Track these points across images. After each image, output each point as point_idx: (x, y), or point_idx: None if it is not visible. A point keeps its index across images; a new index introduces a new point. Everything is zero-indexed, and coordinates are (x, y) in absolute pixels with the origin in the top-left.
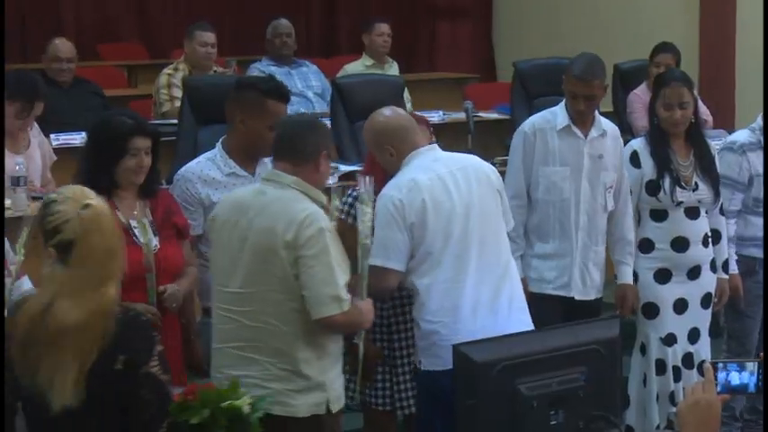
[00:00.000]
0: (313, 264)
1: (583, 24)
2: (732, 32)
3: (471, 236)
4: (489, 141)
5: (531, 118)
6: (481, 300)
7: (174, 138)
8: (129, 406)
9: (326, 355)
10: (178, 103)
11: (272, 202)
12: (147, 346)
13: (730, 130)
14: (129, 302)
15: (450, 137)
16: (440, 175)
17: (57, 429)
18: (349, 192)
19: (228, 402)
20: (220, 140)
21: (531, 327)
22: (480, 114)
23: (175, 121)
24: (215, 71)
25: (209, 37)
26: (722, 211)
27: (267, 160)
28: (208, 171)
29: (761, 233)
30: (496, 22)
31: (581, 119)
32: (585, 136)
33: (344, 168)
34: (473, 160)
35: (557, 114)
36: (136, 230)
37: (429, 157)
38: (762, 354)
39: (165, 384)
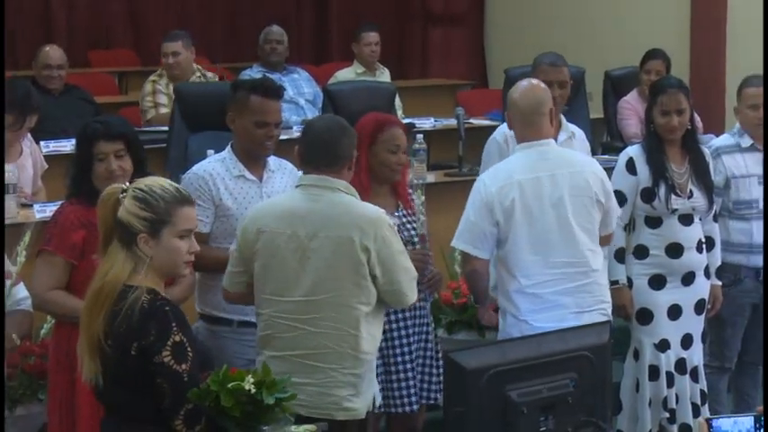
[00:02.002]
0: (396, 258)
1: (574, 32)
2: (722, 38)
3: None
4: (480, 148)
5: (501, 126)
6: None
7: (164, 145)
8: (149, 392)
9: (374, 353)
10: (163, 110)
11: (331, 209)
12: (162, 337)
13: (720, 136)
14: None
15: (441, 143)
16: (539, 177)
17: (97, 396)
18: None
19: (234, 383)
20: (230, 143)
21: None
22: (471, 121)
23: (165, 128)
24: (199, 77)
25: (168, 47)
26: (716, 218)
27: (273, 167)
28: (219, 171)
29: (745, 239)
30: (489, 30)
31: (555, 109)
32: (555, 140)
33: None
34: (578, 165)
35: None
36: None
37: (537, 154)
38: (760, 407)
39: (181, 374)
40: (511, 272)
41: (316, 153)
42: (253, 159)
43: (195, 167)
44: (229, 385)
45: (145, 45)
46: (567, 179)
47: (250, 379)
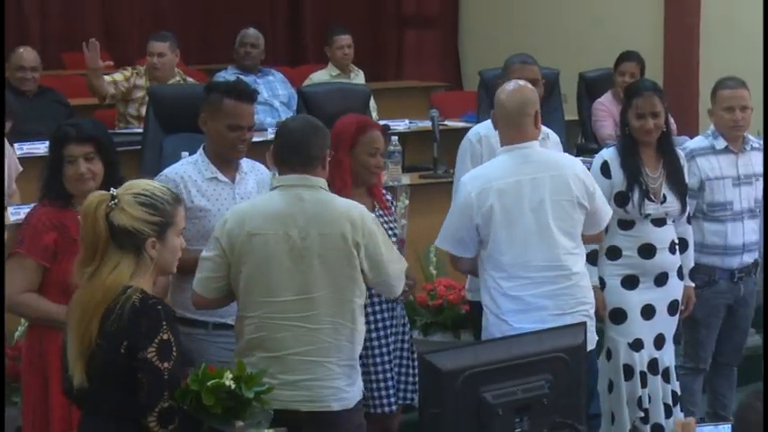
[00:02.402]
0: (382, 250)
1: (548, 33)
2: (696, 40)
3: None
4: (455, 150)
5: (475, 127)
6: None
7: (138, 147)
8: (130, 387)
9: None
10: (112, 89)
11: (318, 207)
12: (151, 334)
13: (693, 137)
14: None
15: (416, 145)
16: (519, 181)
17: (78, 402)
18: None
19: (214, 381)
20: (202, 146)
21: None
22: (446, 123)
23: (140, 130)
24: (179, 80)
25: (155, 46)
26: (689, 220)
27: (246, 169)
28: (191, 173)
29: (719, 240)
30: (463, 31)
31: None
32: None
33: None
34: (560, 167)
35: None
36: None
37: (520, 157)
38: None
39: (162, 371)
40: (492, 274)
41: (290, 153)
42: (225, 161)
43: (167, 170)
44: (209, 383)
45: (119, 47)
46: (547, 182)
47: (229, 375)
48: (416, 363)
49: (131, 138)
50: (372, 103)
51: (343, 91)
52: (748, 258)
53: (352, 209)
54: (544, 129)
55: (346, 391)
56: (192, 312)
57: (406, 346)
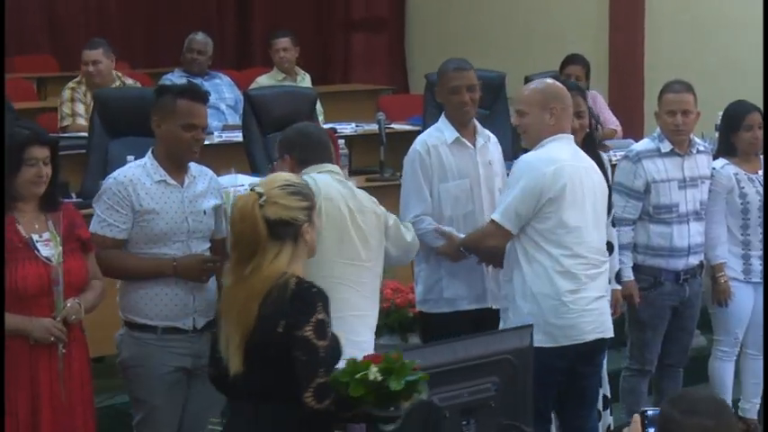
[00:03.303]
0: (397, 226)
1: (494, 36)
2: (641, 43)
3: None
4: (402, 153)
5: (420, 136)
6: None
7: (83, 151)
8: (286, 365)
9: None
10: (80, 120)
11: (355, 190)
12: (307, 314)
13: (639, 140)
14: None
15: (362, 148)
16: (578, 166)
17: (232, 389)
18: None
19: (361, 374)
20: (151, 149)
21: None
22: (393, 126)
23: (85, 134)
24: (119, 84)
25: (89, 55)
26: (613, 223)
27: (195, 172)
28: (139, 176)
29: (665, 243)
30: (410, 35)
31: (467, 116)
32: (474, 145)
33: (257, 180)
34: (590, 161)
35: (443, 130)
36: (38, 245)
37: (569, 144)
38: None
39: (318, 349)
40: (550, 251)
41: (315, 154)
42: (175, 164)
43: (115, 173)
44: (357, 375)
45: (64, 50)
46: (591, 172)
47: (374, 369)
48: None
49: (76, 142)
50: (319, 106)
51: (289, 94)
52: (694, 260)
53: (369, 196)
54: (485, 132)
55: None
56: (141, 317)
57: None
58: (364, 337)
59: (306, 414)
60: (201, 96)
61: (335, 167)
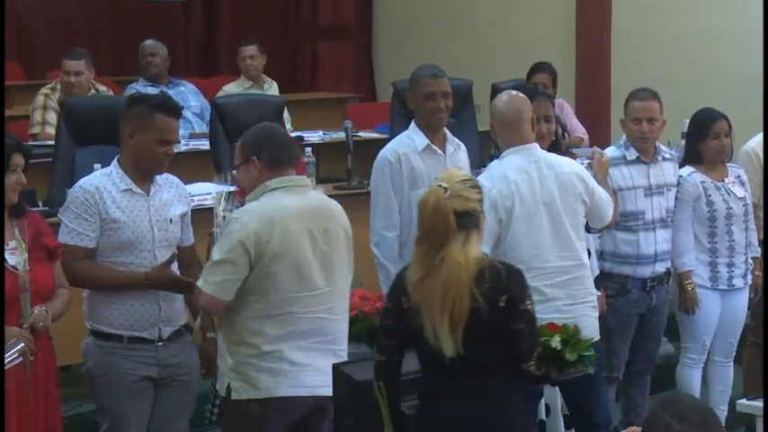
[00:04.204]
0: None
1: (461, 44)
2: (607, 50)
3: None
4: (369, 161)
5: (389, 145)
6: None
7: (50, 159)
8: (508, 338)
9: None
10: (49, 129)
11: (319, 204)
12: (523, 287)
13: (606, 148)
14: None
15: (329, 156)
16: (531, 177)
17: (449, 370)
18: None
19: (544, 339)
20: (116, 158)
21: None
22: (360, 134)
23: (52, 142)
24: (94, 93)
25: (71, 65)
26: (588, 229)
27: (160, 181)
28: (105, 185)
29: (631, 250)
30: (377, 43)
31: (440, 122)
32: (444, 152)
33: (224, 188)
34: (562, 166)
35: (413, 137)
36: (7, 253)
37: (526, 156)
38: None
39: (536, 320)
40: None
41: (285, 153)
42: (141, 174)
43: (82, 181)
44: (541, 339)
45: (30, 58)
46: (553, 180)
47: (557, 338)
48: None
49: (43, 150)
50: (286, 114)
51: (256, 102)
52: (660, 268)
53: (336, 204)
54: (455, 140)
55: None
56: (107, 326)
57: None
58: (332, 359)
59: (525, 382)
60: (176, 111)
61: (302, 179)
